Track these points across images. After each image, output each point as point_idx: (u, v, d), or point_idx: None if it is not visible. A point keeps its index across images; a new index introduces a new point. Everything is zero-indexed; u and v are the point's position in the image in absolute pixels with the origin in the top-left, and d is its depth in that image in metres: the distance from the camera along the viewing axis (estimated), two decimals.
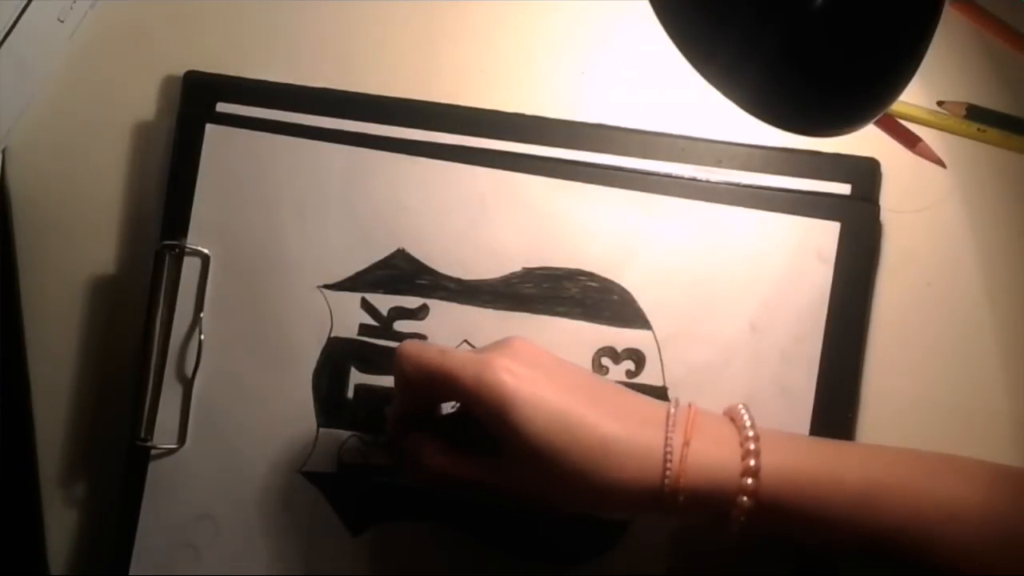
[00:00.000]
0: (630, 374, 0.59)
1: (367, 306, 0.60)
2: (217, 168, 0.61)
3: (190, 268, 0.60)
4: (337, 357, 0.60)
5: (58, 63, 0.63)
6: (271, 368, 0.60)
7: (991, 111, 0.60)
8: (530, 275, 0.60)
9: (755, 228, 0.59)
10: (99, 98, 0.63)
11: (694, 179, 0.60)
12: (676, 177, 0.60)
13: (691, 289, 0.59)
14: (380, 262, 0.60)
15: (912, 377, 0.60)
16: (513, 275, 0.60)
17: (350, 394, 0.60)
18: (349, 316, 0.60)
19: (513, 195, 0.60)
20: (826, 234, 0.59)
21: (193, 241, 0.60)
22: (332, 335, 0.60)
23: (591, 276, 0.59)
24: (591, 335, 0.59)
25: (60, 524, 0.62)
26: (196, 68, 0.62)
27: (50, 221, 0.63)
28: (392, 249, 0.60)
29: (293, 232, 0.60)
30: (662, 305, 0.59)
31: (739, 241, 0.59)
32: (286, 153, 0.60)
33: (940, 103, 0.60)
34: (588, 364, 0.59)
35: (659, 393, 0.59)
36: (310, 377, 0.60)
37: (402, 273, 0.60)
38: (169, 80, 0.63)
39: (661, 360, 0.59)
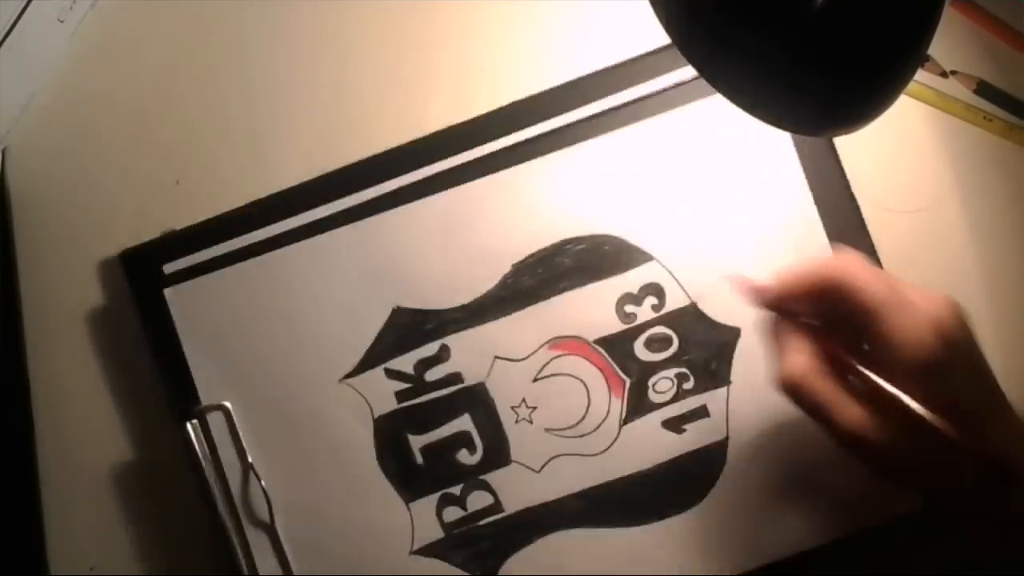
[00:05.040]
0: (656, 308, 0.59)
1: (393, 374, 0.60)
2: (195, 324, 0.60)
3: (216, 422, 0.60)
4: (390, 433, 0.60)
5: (58, 63, 0.63)
6: (336, 475, 0.60)
7: (1001, 91, 0.59)
8: (521, 268, 0.60)
9: (708, 121, 0.60)
10: (99, 98, 0.63)
11: (637, 99, 0.60)
12: (621, 106, 0.60)
13: (672, 204, 0.60)
14: (383, 329, 0.60)
15: None
16: (506, 276, 0.60)
17: (419, 460, 0.60)
18: (382, 391, 0.60)
19: (472, 205, 0.60)
20: None
21: (207, 399, 0.60)
22: (376, 416, 0.60)
23: (577, 240, 0.60)
24: (605, 292, 0.59)
25: (60, 524, 0.62)
26: (128, 245, 0.61)
27: (50, 221, 0.63)
28: (389, 311, 0.60)
29: (292, 346, 0.60)
30: (652, 232, 0.59)
31: (697, 141, 0.60)
32: (249, 277, 0.60)
33: (952, 72, 0.59)
34: (613, 320, 0.59)
35: (691, 312, 0.59)
36: (376, 464, 0.60)
37: (408, 328, 0.60)
38: (108, 263, 0.62)
39: (677, 282, 0.59)
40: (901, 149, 0.60)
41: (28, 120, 0.63)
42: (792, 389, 0.50)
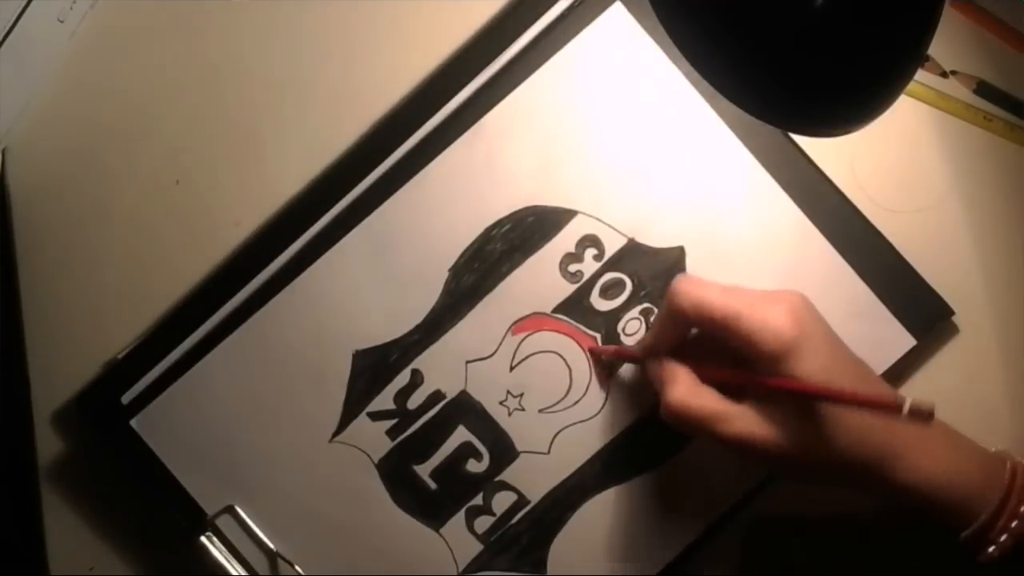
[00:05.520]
0: (597, 257, 0.59)
1: (377, 416, 0.60)
2: (172, 442, 0.60)
3: (228, 525, 0.60)
4: (396, 472, 0.60)
5: (58, 63, 0.63)
6: (361, 532, 0.60)
7: (1001, 91, 0.59)
8: (459, 270, 0.60)
9: (580, 65, 0.60)
10: (99, 98, 0.63)
11: (502, 68, 0.60)
12: (492, 79, 0.60)
13: (574, 154, 0.59)
14: (351, 377, 0.60)
15: None
16: (447, 283, 0.60)
17: (433, 486, 0.60)
18: (373, 436, 0.60)
19: (390, 227, 0.60)
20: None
21: (211, 507, 0.60)
22: (376, 462, 0.60)
23: (499, 223, 0.59)
24: (545, 261, 0.59)
25: (60, 524, 0.62)
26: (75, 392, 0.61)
27: (50, 221, 0.62)
28: (350, 358, 0.60)
29: (271, 426, 0.60)
30: (567, 187, 0.59)
31: (575, 87, 0.59)
32: (205, 378, 0.60)
33: (952, 72, 0.59)
34: (562, 283, 0.59)
35: (632, 248, 0.59)
36: (394, 507, 0.60)
37: (375, 367, 0.60)
38: (61, 413, 0.62)
39: (608, 224, 0.59)
40: (901, 149, 0.60)
41: (28, 120, 0.63)
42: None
